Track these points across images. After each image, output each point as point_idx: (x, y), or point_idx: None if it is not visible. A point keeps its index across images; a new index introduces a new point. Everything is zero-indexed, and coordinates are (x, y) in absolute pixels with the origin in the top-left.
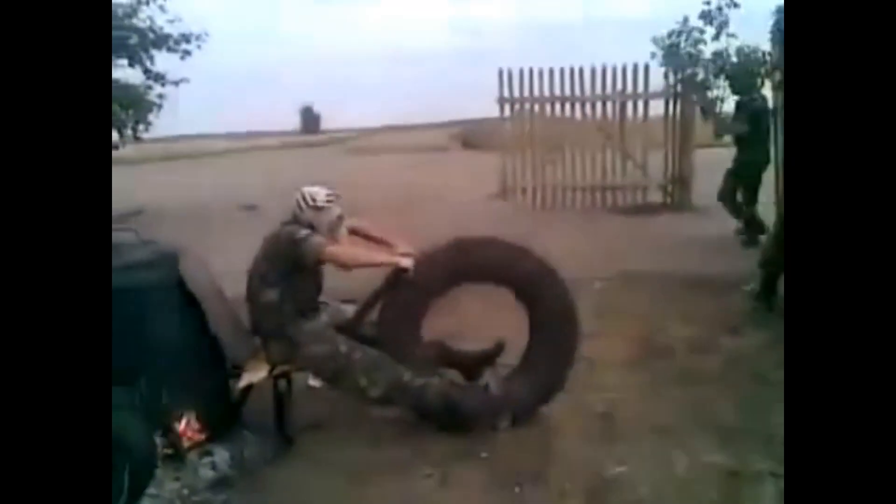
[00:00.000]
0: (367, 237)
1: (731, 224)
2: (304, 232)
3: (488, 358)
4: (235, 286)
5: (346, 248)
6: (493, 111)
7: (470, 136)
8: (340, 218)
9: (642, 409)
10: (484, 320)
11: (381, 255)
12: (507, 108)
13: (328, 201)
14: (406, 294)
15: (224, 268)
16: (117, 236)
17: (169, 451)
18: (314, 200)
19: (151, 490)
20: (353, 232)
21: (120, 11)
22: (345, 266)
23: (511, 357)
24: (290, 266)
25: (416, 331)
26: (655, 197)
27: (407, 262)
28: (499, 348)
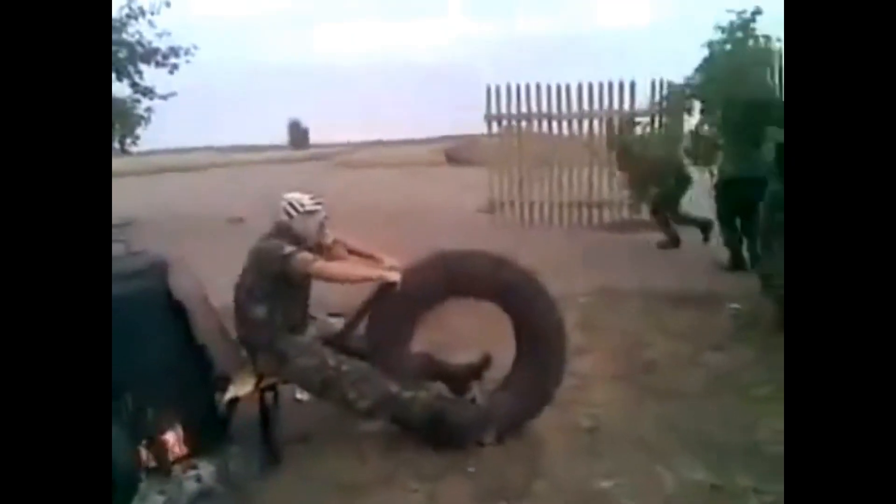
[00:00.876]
0: (353, 252)
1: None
2: (289, 248)
3: (475, 371)
4: (222, 297)
5: (334, 264)
6: (480, 127)
7: (456, 151)
8: (324, 221)
9: (627, 425)
10: (471, 334)
11: (368, 270)
12: (494, 124)
13: (316, 204)
14: (393, 307)
15: (211, 280)
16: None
17: (154, 464)
18: (302, 206)
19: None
20: (340, 245)
21: None
22: (332, 280)
23: (498, 371)
24: (278, 281)
25: (404, 344)
26: (642, 214)
27: (394, 276)
28: (486, 362)
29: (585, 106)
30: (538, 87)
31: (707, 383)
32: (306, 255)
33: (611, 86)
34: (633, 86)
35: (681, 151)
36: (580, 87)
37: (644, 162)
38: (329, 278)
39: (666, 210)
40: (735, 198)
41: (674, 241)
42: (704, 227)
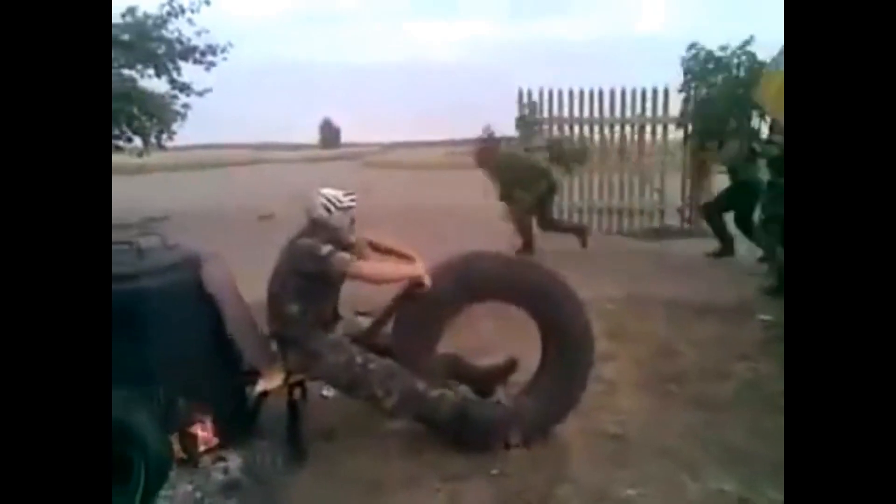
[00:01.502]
0: (383, 250)
1: (750, 251)
2: (327, 248)
3: (501, 374)
4: (252, 293)
5: (371, 264)
6: (511, 130)
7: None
8: (354, 218)
9: (653, 433)
10: (497, 337)
11: (402, 268)
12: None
13: (351, 201)
14: (421, 308)
15: (241, 275)
16: (143, 241)
17: (183, 455)
18: (340, 202)
19: (166, 492)
20: (370, 245)
21: (150, 23)
22: (369, 281)
23: (524, 375)
24: (313, 280)
25: (431, 344)
26: (672, 221)
27: (425, 276)
28: (512, 365)
29: (618, 112)
30: (570, 91)
31: (736, 394)
32: (344, 256)
33: (644, 92)
34: (666, 92)
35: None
36: (612, 93)
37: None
38: (365, 278)
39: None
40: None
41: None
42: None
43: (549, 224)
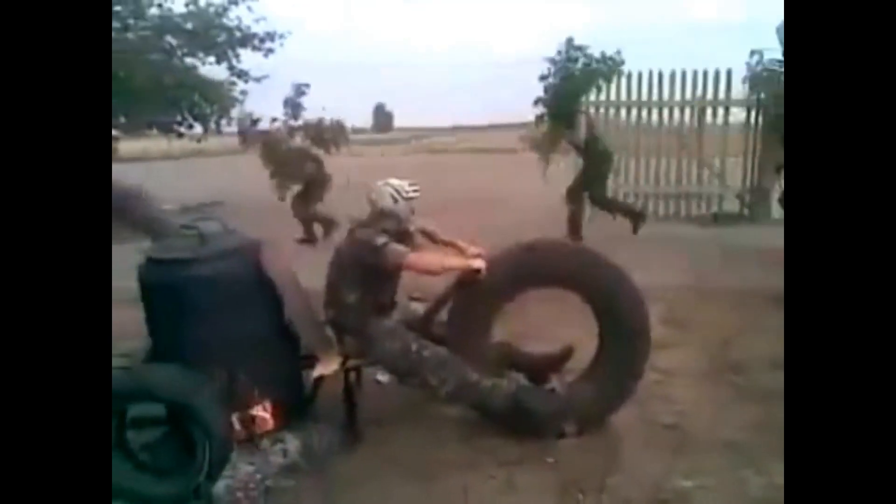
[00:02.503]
0: (436, 240)
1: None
2: (382, 239)
3: (556, 362)
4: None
5: (425, 256)
6: None
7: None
8: (414, 208)
9: (712, 425)
10: (551, 323)
11: (455, 260)
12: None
13: (415, 192)
14: (476, 296)
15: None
16: (204, 226)
17: (244, 437)
18: (406, 192)
19: (227, 472)
20: (423, 233)
21: (211, 11)
22: (423, 272)
23: (579, 363)
24: (370, 270)
25: (486, 332)
26: (732, 207)
27: (479, 264)
28: (567, 353)
29: (677, 95)
30: (628, 74)
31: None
32: (398, 248)
33: (705, 74)
34: (729, 74)
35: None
36: (673, 75)
37: None
38: (420, 270)
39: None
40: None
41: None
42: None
43: (307, 214)
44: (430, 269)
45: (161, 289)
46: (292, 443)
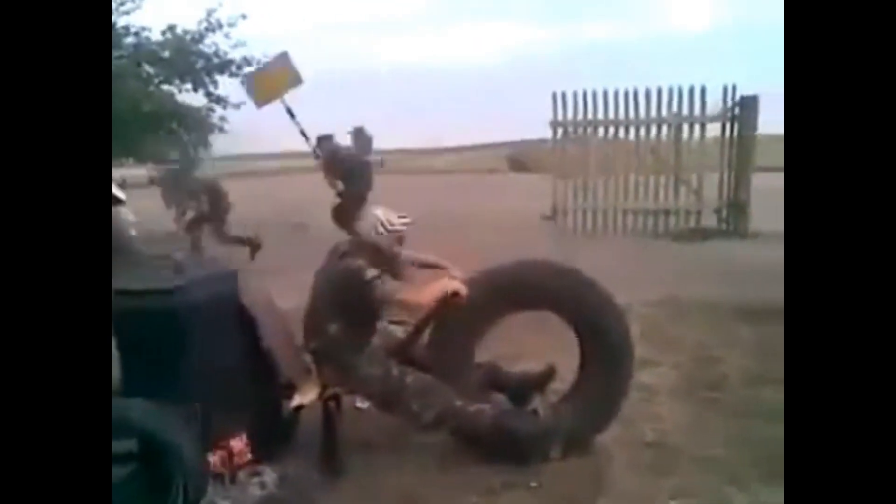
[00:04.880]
0: (420, 265)
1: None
2: (371, 273)
3: (539, 383)
4: (283, 301)
5: (412, 293)
6: (543, 133)
7: (520, 157)
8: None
9: (695, 442)
10: (533, 344)
11: (441, 288)
12: (559, 130)
13: (403, 224)
14: (457, 319)
15: (274, 284)
16: (180, 254)
17: (220, 470)
18: (392, 224)
19: None
20: (407, 261)
21: (188, 38)
22: (409, 309)
23: (560, 382)
24: (356, 302)
25: (468, 355)
26: (710, 222)
27: (462, 288)
28: (550, 373)
29: (653, 112)
30: (605, 92)
31: (781, 401)
32: (386, 287)
33: (680, 90)
34: (703, 90)
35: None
36: (647, 93)
37: None
38: (407, 308)
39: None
40: None
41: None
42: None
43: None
44: (415, 306)
45: (134, 320)
46: (270, 475)
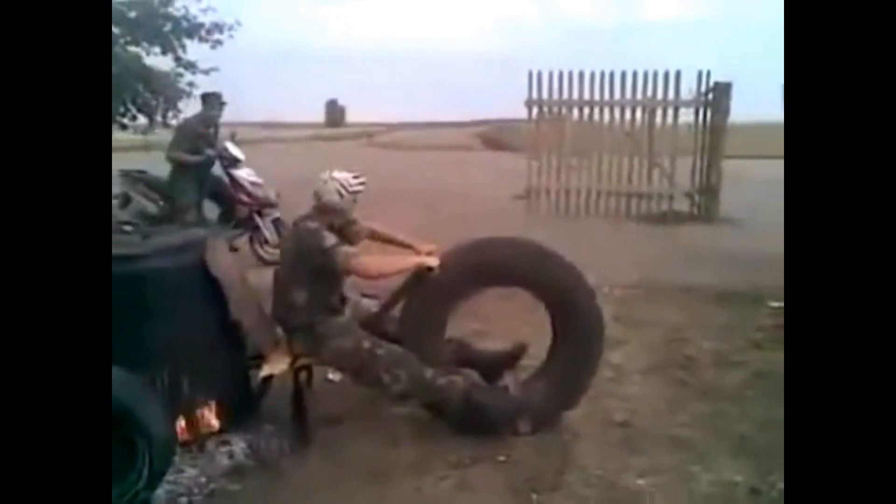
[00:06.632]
0: (387, 240)
1: (761, 236)
2: (330, 241)
3: (509, 360)
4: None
5: (374, 259)
6: (519, 112)
7: (495, 136)
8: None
9: (663, 422)
10: (505, 321)
11: (406, 260)
12: (534, 109)
13: (360, 185)
14: (429, 293)
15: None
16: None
17: (188, 439)
18: (351, 185)
19: (169, 476)
20: (373, 235)
21: (156, 1)
22: (370, 277)
23: (532, 360)
24: (319, 270)
25: (439, 329)
26: (682, 206)
27: (433, 261)
28: (520, 350)
29: (628, 94)
30: (581, 74)
31: (747, 382)
32: (347, 250)
33: (655, 75)
34: (678, 75)
35: None
36: (623, 75)
37: None
38: (367, 275)
39: None
40: None
41: None
42: None
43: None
44: (382, 272)
45: None
46: (238, 444)
